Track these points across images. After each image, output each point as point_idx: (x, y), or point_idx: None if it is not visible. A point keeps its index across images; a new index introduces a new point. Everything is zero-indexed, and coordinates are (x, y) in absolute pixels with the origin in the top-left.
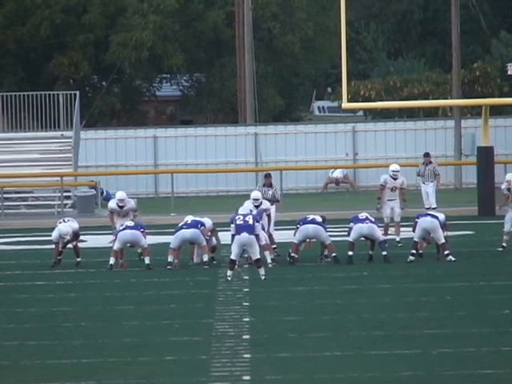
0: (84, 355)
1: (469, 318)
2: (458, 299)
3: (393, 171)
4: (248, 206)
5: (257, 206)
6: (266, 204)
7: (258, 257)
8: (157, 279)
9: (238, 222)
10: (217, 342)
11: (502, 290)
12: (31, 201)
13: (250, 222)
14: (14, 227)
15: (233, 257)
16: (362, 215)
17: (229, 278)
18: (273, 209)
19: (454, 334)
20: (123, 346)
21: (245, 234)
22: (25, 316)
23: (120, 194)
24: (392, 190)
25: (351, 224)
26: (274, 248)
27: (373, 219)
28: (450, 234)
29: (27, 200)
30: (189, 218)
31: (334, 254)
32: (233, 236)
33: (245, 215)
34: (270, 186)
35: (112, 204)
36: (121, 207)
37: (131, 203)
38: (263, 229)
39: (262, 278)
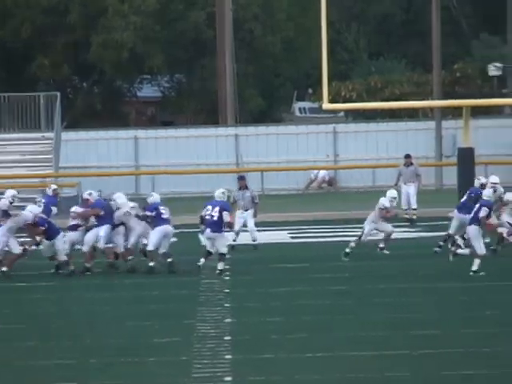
0: (66, 357)
1: (454, 319)
2: (445, 300)
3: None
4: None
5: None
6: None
7: (222, 251)
8: (138, 280)
9: (206, 216)
10: (198, 342)
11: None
12: None
13: (216, 217)
14: None
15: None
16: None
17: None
18: (251, 212)
19: (439, 335)
20: (105, 348)
21: (208, 231)
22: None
23: None
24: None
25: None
26: None
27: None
28: (430, 234)
29: None
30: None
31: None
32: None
33: (213, 207)
34: (246, 188)
35: None
36: None
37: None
38: None
39: (217, 272)
